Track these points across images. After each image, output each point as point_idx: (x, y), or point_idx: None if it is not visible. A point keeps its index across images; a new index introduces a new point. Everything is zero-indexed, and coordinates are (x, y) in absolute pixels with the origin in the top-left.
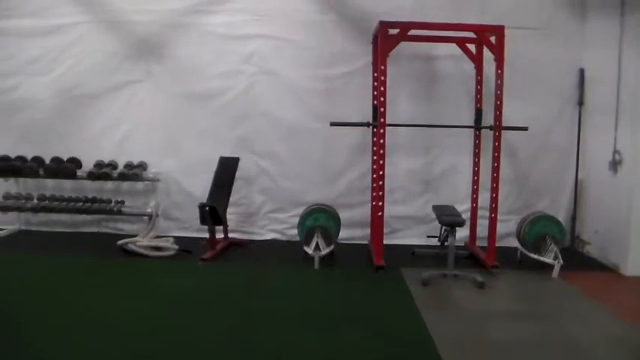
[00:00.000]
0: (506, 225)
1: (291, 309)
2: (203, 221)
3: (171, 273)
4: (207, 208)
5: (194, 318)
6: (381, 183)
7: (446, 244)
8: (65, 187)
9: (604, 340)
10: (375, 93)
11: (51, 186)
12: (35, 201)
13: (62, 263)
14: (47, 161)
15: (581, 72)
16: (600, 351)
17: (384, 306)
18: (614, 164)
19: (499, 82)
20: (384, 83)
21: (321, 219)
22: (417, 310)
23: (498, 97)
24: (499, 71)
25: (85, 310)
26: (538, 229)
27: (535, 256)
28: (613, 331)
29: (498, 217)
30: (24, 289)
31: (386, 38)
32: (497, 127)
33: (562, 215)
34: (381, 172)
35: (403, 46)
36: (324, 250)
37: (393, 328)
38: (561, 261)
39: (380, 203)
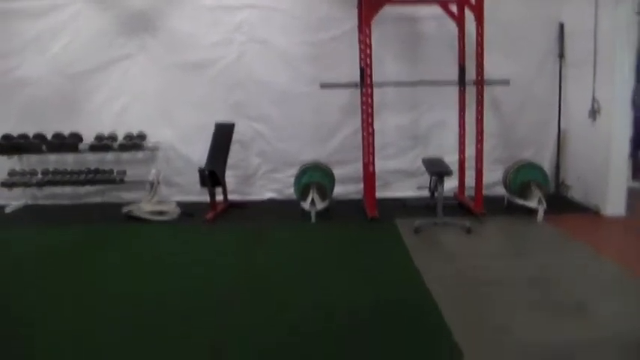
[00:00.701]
0: (494, 174)
1: (291, 259)
2: (203, 184)
3: (176, 234)
4: (206, 172)
5: (202, 275)
6: (371, 140)
7: (435, 194)
8: (67, 161)
9: (575, 269)
10: (362, 55)
11: (53, 161)
12: (40, 176)
13: (70, 233)
14: (49, 137)
15: (561, 26)
16: (572, 279)
17: (378, 252)
18: (593, 113)
19: (479, 39)
20: (369, 46)
21: (315, 176)
22: (409, 254)
23: (479, 55)
24: (479, 29)
25: (97, 275)
26: (523, 177)
27: (520, 202)
28: (585, 262)
29: (486, 167)
30: (36, 259)
31: (369, 3)
32: (479, 82)
33: (547, 163)
34: (370, 130)
35: (388, 8)
36: (320, 205)
37: (386, 271)
38: (545, 205)
39: (371, 158)
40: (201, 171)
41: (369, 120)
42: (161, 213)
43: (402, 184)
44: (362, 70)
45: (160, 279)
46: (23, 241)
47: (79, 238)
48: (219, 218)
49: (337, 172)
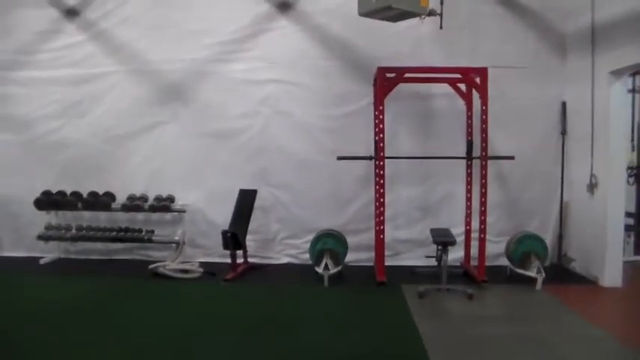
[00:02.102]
0: (498, 246)
1: (304, 317)
2: (226, 246)
3: (198, 292)
4: (229, 235)
5: (220, 327)
6: (382, 209)
7: (441, 263)
8: (100, 218)
9: (567, 336)
10: (376, 130)
11: (87, 217)
12: (74, 231)
13: (100, 285)
14: (85, 195)
15: (563, 105)
16: (562, 344)
17: (384, 314)
18: (591, 187)
19: (484, 117)
20: (383, 121)
21: (329, 242)
22: (411, 316)
23: (484, 131)
24: (484, 107)
25: (121, 324)
26: (523, 247)
27: (521, 271)
28: (577, 329)
29: (491, 238)
30: (67, 307)
31: (384, 81)
32: (484, 157)
33: (550, 235)
34: (382, 200)
35: (402, 86)
36: (333, 270)
37: (388, 329)
38: (543, 274)
39: (381, 227)
40: (224, 234)
41: (381, 190)
42: (185, 271)
43: (412, 253)
44: (375, 144)
45: (181, 329)
46: (55, 290)
47: (107, 291)
48: (239, 278)
49: (351, 239)
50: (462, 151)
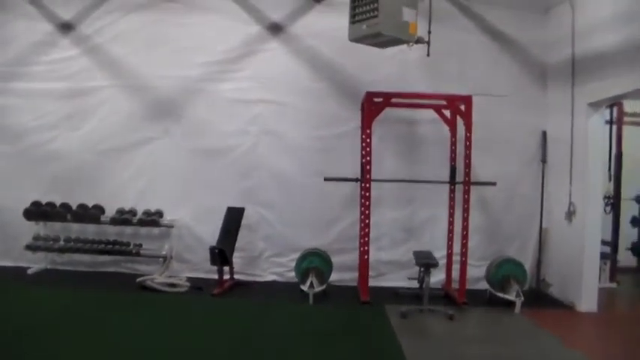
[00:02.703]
0: (479, 270)
1: (289, 333)
2: (213, 262)
3: (186, 306)
4: (216, 251)
5: (206, 342)
6: (367, 230)
7: (423, 286)
8: (88, 230)
9: (544, 357)
10: (363, 152)
11: (75, 229)
12: (62, 242)
13: (89, 297)
14: (74, 207)
15: (544, 134)
16: None
17: (368, 332)
18: (569, 214)
19: (468, 143)
20: (369, 145)
21: (315, 261)
22: (394, 335)
23: (467, 157)
24: (468, 134)
25: (114, 335)
26: (503, 271)
27: (500, 295)
28: (553, 351)
29: (472, 262)
30: (56, 318)
31: (372, 106)
32: (467, 183)
33: (529, 260)
34: (367, 221)
35: (388, 111)
36: (318, 288)
37: (373, 347)
38: (522, 298)
39: (366, 247)
40: (212, 249)
41: (367, 212)
42: (172, 285)
43: (395, 274)
44: (362, 166)
45: (170, 342)
46: (44, 301)
47: (96, 303)
48: (225, 294)
49: (336, 259)
50: (445, 175)
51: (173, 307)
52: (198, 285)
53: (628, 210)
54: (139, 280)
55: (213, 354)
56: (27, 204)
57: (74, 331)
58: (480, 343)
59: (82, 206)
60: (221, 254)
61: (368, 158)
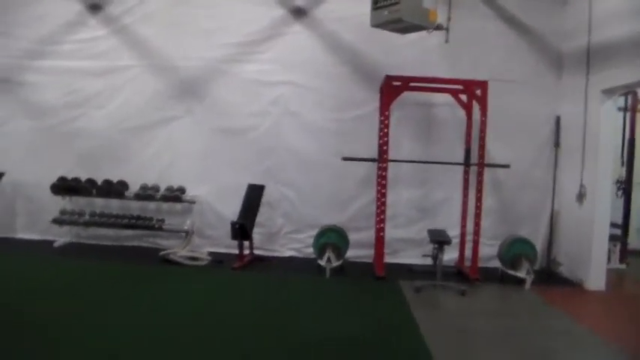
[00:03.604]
0: (492, 249)
1: (308, 304)
2: (234, 237)
3: (208, 278)
4: (237, 226)
5: (230, 311)
6: (383, 209)
7: (437, 262)
8: (112, 205)
9: (550, 330)
10: (380, 134)
11: (99, 204)
12: (87, 217)
13: (113, 269)
14: (99, 183)
15: (558, 119)
16: (545, 337)
17: (382, 304)
18: (580, 197)
19: (483, 127)
20: (387, 126)
21: (332, 237)
22: (409, 307)
23: (482, 139)
24: (483, 118)
25: (141, 304)
26: (514, 250)
27: (512, 272)
28: (560, 325)
29: (484, 241)
30: (82, 288)
31: (390, 89)
32: (481, 165)
33: (540, 240)
34: (383, 200)
35: (406, 94)
36: (335, 263)
37: (388, 320)
38: (532, 275)
39: (382, 225)
40: (233, 225)
41: (383, 191)
42: (194, 259)
43: (409, 251)
44: (379, 147)
45: (195, 311)
46: (72, 272)
47: (122, 274)
48: (245, 268)
49: (352, 236)
50: (459, 157)
51: (196, 279)
52: (218, 259)
53: (639, 194)
54: (162, 253)
55: (237, 323)
56: (53, 179)
57: (101, 300)
58: (490, 316)
59: (106, 182)
60: (242, 229)
61: (385, 139)
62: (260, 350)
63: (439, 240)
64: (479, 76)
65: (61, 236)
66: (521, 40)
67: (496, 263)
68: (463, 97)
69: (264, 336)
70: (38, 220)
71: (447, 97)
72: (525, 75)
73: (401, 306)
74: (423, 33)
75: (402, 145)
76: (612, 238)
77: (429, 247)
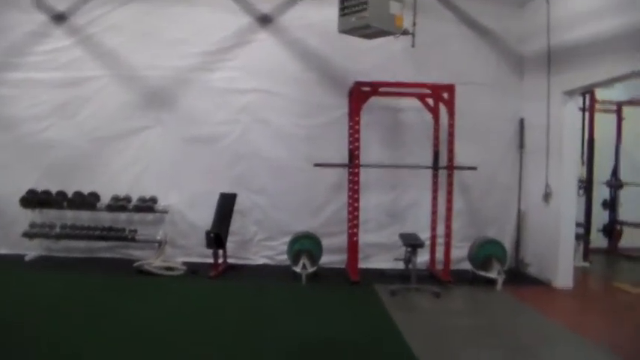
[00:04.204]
0: (461, 251)
1: (287, 310)
2: (209, 245)
3: (184, 288)
4: (212, 235)
5: (212, 319)
6: (356, 214)
7: (410, 265)
8: (83, 217)
9: (525, 326)
10: (351, 139)
11: (70, 216)
12: (58, 229)
13: (89, 281)
14: (70, 195)
15: (521, 121)
16: (520, 334)
17: (361, 308)
18: (546, 197)
19: (451, 130)
20: (358, 131)
21: (306, 243)
22: (386, 310)
23: (451, 143)
24: (451, 122)
25: (118, 317)
26: (485, 251)
27: (483, 273)
28: (533, 321)
29: (454, 243)
30: (57, 303)
31: (360, 94)
32: (450, 167)
33: (508, 241)
34: (356, 205)
35: (374, 99)
36: (310, 269)
37: (368, 322)
38: (503, 276)
39: (355, 230)
40: (207, 233)
41: (355, 196)
42: (169, 269)
43: (381, 256)
44: (350, 152)
45: (173, 321)
46: (46, 286)
47: (97, 287)
48: (220, 277)
49: (324, 242)
50: (427, 161)
51: (172, 290)
52: (193, 269)
53: (599, 193)
54: (136, 264)
55: (217, 330)
56: (22, 192)
57: (79, 314)
58: (466, 316)
59: (78, 194)
60: (217, 238)
61: (356, 144)
62: (245, 358)
63: (412, 243)
64: (443, 80)
65: (32, 250)
66: (483, 43)
67: (467, 265)
68: (429, 101)
69: (247, 343)
70: (7, 234)
71: (414, 102)
72: (488, 77)
73: (379, 309)
74: (388, 38)
75: (370, 149)
76: (576, 237)
77: (400, 251)
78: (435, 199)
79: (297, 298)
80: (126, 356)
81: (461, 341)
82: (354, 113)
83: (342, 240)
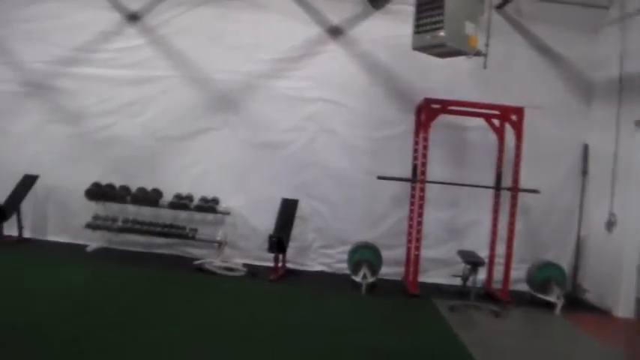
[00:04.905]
0: (518, 273)
1: (349, 318)
2: (271, 249)
3: (245, 289)
4: (275, 239)
5: (275, 323)
6: (420, 228)
7: (467, 283)
8: (144, 213)
9: (586, 352)
10: (416, 154)
11: (131, 211)
12: (120, 223)
13: (152, 275)
14: (133, 190)
15: (585, 147)
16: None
17: (423, 321)
18: (610, 225)
19: (518, 152)
20: (425, 147)
21: (367, 254)
22: (449, 326)
23: (517, 164)
24: (518, 144)
25: (180, 312)
26: (544, 274)
27: (541, 296)
28: (595, 348)
29: (512, 264)
30: (124, 294)
31: (429, 111)
32: (515, 189)
33: (565, 266)
34: (420, 219)
35: (440, 117)
36: (370, 279)
37: (433, 336)
38: (563, 300)
39: (418, 244)
40: (270, 237)
41: (420, 211)
42: (230, 269)
43: (437, 271)
44: (414, 167)
45: (235, 324)
46: (111, 276)
47: (159, 280)
48: (280, 280)
49: (383, 254)
50: (486, 180)
51: (232, 290)
52: (253, 271)
53: None
54: (196, 262)
55: (284, 336)
56: (86, 184)
57: (143, 305)
58: (527, 338)
59: (141, 189)
60: (279, 242)
61: (423, 160)
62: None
63: (473, 261)
64: (509, 102)
65: (92, 241)
66: (551, 68)
67: (522, 286)
68: (495, 122)
69: (315, 349)
70: (69, 224)
71: (477, 121)
72: (554, 102)
73: (442, 324)
74: (456, 57)
75: (432, 166)
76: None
77: (456, 267)
78: (495, 219)
79: (358, 307)
80: (193, 351)
81: None
82: (423, 129)
83: (399, 253)
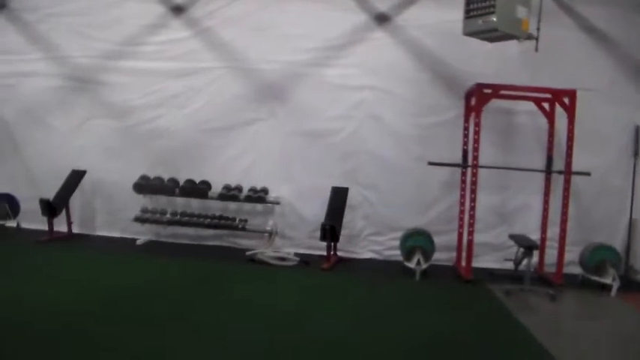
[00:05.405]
0: (568, 255)
1: (409, 303)
2: (323, 238)
3: (300, 279)
4: (328, 227)
5: (333, 312)
6: (472, 213)
7: (519, 267)
8: (192, 205)
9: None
10: (466, 139)
11: (179, 203)
12: (169, 215)
13: (206, 266)
14: (181, 182)
15: (637, 128)
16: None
17: (482, 307)
18: None
19: (570, 135)
20: (478, 132)
21: (420, 240)
22: (509, 311)
23: (569, 148)
24: (570, 127)
25: (238, 301)
26: (598, 256)
27: (596, 278)
28: None
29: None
30: (180, 287)
31: (481, 96)
32: (568, 173)
33: (617, 248)
34: (472, 205)
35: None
36: (424, 265)
37: (495, 321)
38: (619, 282)
39: (471, 229)
40: (323, 226)
41: (472, 196)
42: (282, 259)
43: (488, 256)
44: (464, 153)
45: (295, 312)
46: (165, 269)
47: (213, 271)
48: (332, 269)
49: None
50: (536, 164)
51: (288, 280)
52: (305, 259)
53: None
54: (248, 253)
55: (340, 324)
56: (132, 178)
57: (203, 295)
58: (588, 320)
59: (189, 181)
60: (332, 230)
61: (475, 145)
62: (371, 354)
63: (528, 245)
64: (558, 85)
65: (140, 234)
66: (600, 50)
67: (574, 269)
68: (545, 106)
69: (379, 336)
70: (117, 218)
71: (526, 105)
72: (604, 84)
73: (502, 309)
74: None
75: (481, 150)
76: None
77: (506, 252)
78: (546, 202)
79: (415, 293)
80: (254, 340)
81: (594, 345)
82: (474, 114)
83: (450, 238)
